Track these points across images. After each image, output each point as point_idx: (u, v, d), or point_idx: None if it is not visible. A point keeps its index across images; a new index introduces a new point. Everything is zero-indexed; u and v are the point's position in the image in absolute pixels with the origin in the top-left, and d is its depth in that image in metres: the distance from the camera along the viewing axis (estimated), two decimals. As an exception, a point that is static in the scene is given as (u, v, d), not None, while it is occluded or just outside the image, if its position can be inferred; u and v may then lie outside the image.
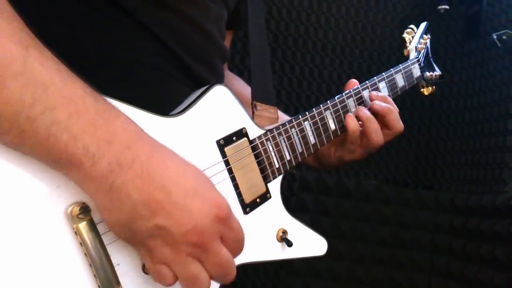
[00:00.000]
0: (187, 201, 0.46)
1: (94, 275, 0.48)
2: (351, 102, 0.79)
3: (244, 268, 0.63)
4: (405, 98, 1.63)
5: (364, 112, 0.77)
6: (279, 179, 0.69)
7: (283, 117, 0.82)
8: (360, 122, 0.78)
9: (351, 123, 0.76)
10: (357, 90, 0.80)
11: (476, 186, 1.39)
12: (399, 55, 1.61)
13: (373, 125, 0.76)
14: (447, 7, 1.50)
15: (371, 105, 0.78)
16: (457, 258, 1.36)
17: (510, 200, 1.19)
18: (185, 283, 0.48)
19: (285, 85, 1.58)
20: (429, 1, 1.57)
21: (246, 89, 0.89)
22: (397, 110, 0.81)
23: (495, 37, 1.34)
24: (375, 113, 0.78)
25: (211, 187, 0.50)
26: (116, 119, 0.45)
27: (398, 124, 0.79)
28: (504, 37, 1.33)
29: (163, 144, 0.49)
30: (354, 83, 0.82)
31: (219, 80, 0.72)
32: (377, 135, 0.77)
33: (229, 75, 0.91)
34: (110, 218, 0.47)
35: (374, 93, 0.80)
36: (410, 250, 1.49)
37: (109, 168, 0.43)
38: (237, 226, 0.51)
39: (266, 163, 0.66)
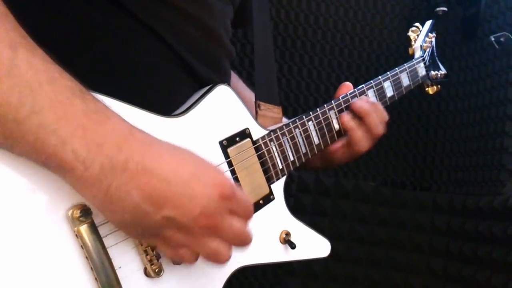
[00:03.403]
0: (188, 187, 0.46)
1: (95, 279, 0.47)
2: (355, 102, 0.78)
3: (242, 269, 0.62)
4: (402, 99, 1.62)
5: (347, 121, 0.74)
6: (282, 180, 0.68)
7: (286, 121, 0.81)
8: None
9: (346, 119, 0.73)
10: (361, 90, 0.79)
11: (474, 188, 1.39)
12: (397, 57, 1.62)
13: (358, 134, 0.74)
14: (445, 9, 1.50)
15: (350, 105, 0.75)
16: (455, 259, 1.37)
17: (507, 202, 1.19)
18: (207, 258, 0.50)
19: (283, 86, 1.58)
20: (427, 3, 1.57)
21: (241, 87, 0.88)
22: (385, 115, 0.77)
23: (492, 39, 1.35)
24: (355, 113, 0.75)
25: (209, 168, 0.49)
26: (106, 120, 0.44)
27: (376, 128, 0.75)
28: (501, 39, 1.33)
29: (154, 136, 0.48)
30: (348, 86, 0.79)
31: (225, 79, 0.71)
32: (362, 142, 0.75)
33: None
34: (116, 220, 0.46)
35: (363, 97, 0.77)
36: (407, 251, 1.49)
37: (102, 171, 0.42)
38: (243, 197, 0.51)
39: (270, 164, 0.66)
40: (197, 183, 0.46)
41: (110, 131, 0.44)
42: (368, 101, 0.77)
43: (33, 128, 0.40)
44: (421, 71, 0.93)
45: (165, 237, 0.48)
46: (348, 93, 0.77)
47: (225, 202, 0.48)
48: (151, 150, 0.45)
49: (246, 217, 0.51)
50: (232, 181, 0.51)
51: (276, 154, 0.67)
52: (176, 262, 0.53)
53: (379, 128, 0.76)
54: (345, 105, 0.76)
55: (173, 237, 0.47)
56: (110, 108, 0.46)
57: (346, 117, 0.74)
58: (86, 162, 0.42)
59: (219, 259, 0.50)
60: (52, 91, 0.41)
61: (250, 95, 0.79)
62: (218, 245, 0.49)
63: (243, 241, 0.51)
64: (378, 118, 0.76)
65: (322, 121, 0.73)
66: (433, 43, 0.99)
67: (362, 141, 0.75)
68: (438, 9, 1.51)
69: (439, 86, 1.00)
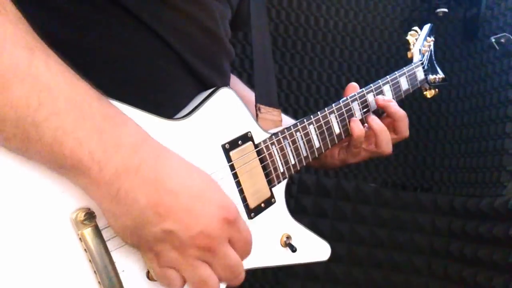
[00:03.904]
0: (194, 204, 0.46)
1: (99, 282, 0.47)
2: (355, 106, 0.79)
3: (243, 271, 0.62)
4: (403, 101, 1.62)
5: (377, 122, 0.77)
6: (283, 183, 0.68)
7: (286, 120, 0.82)
8: (366, 126, 0.78)
9: (356, 128, 0.75)
10: (361, 93, 0.79)
11: (475, 189, 1.39)
12: (397, 58, 1.62)
13: (385, 136, 0.78)
14: (446, 10, 1.50)
15: (387, 107, 0.79)
16: (455, 260, 1.37)
17: (508, 203, 1.19)
18: (194, 286, 0.48)
19: (283, 87, 1.58)
20: (428, 4, 1.57)
21: (239, 86, 0.89)
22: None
23: (493, 40, 1.35)
24: (388, 115, 0.79)
25: (218, 190, 0.49)
26: (122, 124, 0.45)
27: (405, 130, 0.80)
28: (502, 40, 1.34)
29: (169, 148, 0.48)
30: (354, 86, 0.81)
31: (226, 81, 0.72)
32: (387, 146, 0.78)
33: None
34: (117, 224, 0.46)
35: (379, 97, 0.81)
36: (408, 252, 1.49)
37: (116, 173, 0.43)
38: (245, 228, 0.50)
39: (271, 167, 0.66)
40: (204, 201, 0.46)
41: (126, 135, 0.44)
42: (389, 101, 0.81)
43: (51, 130, 0.40)
44: (420, 75, 0.93)
45: (158, 252, 0.47)
46: (348, 97, 0.77)
47: (227, 226, 0.47)
48: (164, 159, 0.46)
49: (244, 252, 0.50)
50: (237, 208, 0.50)
51: (277, 157, 0.67)
52: (161, 282, 0.50)
53: (407, 130, 0.81)
54: (345, 108, 0.77)
55: (166, 254, 0.47)
56: (124, 113, 0.46)
57: (374, 120, 0.79)
58: (102, 163, 0.42)
59: None
60: (70, 92, 0.42)
61: (251, 96, 0.79)
62: (209, 275, 0.48)
63: (234, 276, 0.50)
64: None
65: (323, 124, 0.73)
66: (432, 47, 1.00)
67: (388, 143, 0.80)
68: (438, 10, 1.51)
69: (437, 90, 1.01)
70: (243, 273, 0.51)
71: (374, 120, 0.78)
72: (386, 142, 0.78)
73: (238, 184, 0.61)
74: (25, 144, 0.41)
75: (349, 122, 0.77)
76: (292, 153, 0.69)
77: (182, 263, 0.47)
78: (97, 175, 0.42)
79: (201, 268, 0.47)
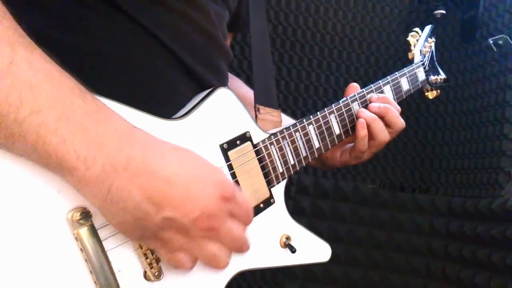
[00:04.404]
0: (189, 188, 0.46)
1: (95, 282, 0.47)
2: (355, 106, 0.78)
3: (242, 272, 0.62)
4: (401, 102, 1.63)
5: (367, 113, 0.76)
6: (283, 184, 0.68)
7: (287, 120, 0.82)
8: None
9: (361, 130, 0.75)
10: (362, 94, 0.79)
11: (473, 190, 1.39)
12: (396, 59, 1.62)
13: (378, 124, 0.76)
14: (443, 11, 1.51)
15: (368, 108, 0.78)
16: (454, 262, 1.37)
17: (506, 204, 1.19)
18: (206, 262, 0.50)
19: (282, 89, 1.58)
20: (425, 6, 1.58)
21: (243, 89, 0.88)
22: (398, 109, 0.80)
23: (491, 41, 1.35)
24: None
25: (210, 169, 0.49)
26: (106, 120, 0.44)
27: (398, 121, 0.79)
28: (500, 42, 1.34)
29: (155, 136, 0.48)
30: (354, 87, 0.81)
31: (223, 81, 0.71)
32: (383, 133, 0.77)
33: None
34: (116, 221, 0.46)
35: (373, 95, 0.80)
36: (406, 253, 1.49)
37: (103, 171, 0.42)
38: (243, 200, 0.51)
39: (270, 167, 0.66)
40: (198, 184, 0.46)
41: (111, 131, 0.44)
42: (382, 98, 0.79)
43: (34, 127, 0.40)
44: (421, 75, 0.93)
45: (164, 239, 0.47)
46: (348, 97, 0.77)
47: (225, 203, 0.48)
48: (152, 150, 0.45)
49: (246, 222, 0.51)
50: (233, 182, 0.50)
51: (276, 157, 0.67)
52: (172, 266, 0.53)
53: (400, 120, 0.79)
54: (345, 109, 0.76)
55: (172, 239, 0.47)
56: (110, 108, 0.46)
57: (364, 111, 0.77)
58: (88, 161, 0.42)
59: (218, 264, 0.50)
60: (52, 90, 0.41)
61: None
62: (218, 249, 0.49)
63: (241, 247, 0.51)
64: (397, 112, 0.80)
65: (323, 125, 0.73)
66: (433, 47, 1.00)
67: (383, 130, 0.78)
68: (436, 12, 1.51)
69: (438, 90, 1.01)
70: (248, 241, 0.52)
71: (363, 112, 0.77)
72: (380, 129, 0.76)
73: (237, 184, 0.61)
74: (10, 141, 0.41)
75: (349, 122, 0.77)
76: (292, 153, 0.69)
77: (189, 244, 0.48)
78: (84, 174, 0.42)
79: (209, 245, 0.49)
